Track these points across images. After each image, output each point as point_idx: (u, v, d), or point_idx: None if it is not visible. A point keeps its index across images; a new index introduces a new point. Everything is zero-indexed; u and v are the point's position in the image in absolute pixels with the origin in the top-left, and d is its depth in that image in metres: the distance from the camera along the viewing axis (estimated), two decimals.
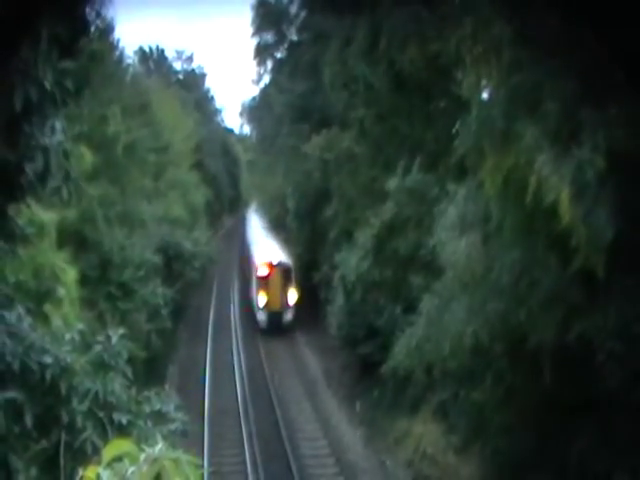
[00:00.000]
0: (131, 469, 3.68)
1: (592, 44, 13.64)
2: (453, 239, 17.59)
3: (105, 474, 3.72)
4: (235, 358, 42.40)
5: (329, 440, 29.57)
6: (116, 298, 29.44)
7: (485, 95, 17.75)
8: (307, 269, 48.28)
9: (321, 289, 43.17)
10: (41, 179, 9.88)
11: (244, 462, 28.10)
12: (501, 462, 19.14)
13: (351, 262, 29.59)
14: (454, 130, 17.29)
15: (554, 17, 14.24)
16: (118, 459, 3.74)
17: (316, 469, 27.04)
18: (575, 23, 13.84)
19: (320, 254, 44.28)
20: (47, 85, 9.00)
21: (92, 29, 10.91)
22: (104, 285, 29.03)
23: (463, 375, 18.82)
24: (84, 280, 24.41)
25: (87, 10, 9.90)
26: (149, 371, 27.93)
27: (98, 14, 10.31)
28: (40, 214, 19.13)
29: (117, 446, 3.81)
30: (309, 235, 48.04)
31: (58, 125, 9.89)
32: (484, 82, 17.13)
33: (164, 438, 12.14)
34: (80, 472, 3.88)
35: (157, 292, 34.30)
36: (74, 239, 26.45)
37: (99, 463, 3.77)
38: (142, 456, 3.71)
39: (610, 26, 13.57)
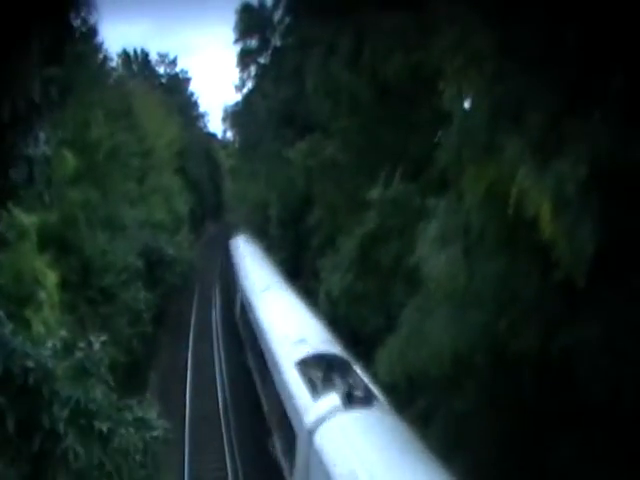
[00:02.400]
0: None
1: (576, 55, 13.73)
2: (434, 250, 17.61)
3: None
4: (217, 364, 42.37)
5: None
6: (97, 302, 29.34)
7: (467, 106, 17.79)
8: (290, 276, 48.23)
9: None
10: (24, 186, 9.86)
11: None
12: (482, 472, 19.17)
13: (335, 277, 29.49)
14: (436, 140, 17.34)
15: (537, 28, 14.32)
16: None
17: None
18: (559, 35, 13.92)
19: (303, 261, 44.26)
20: (35, 97, 8.98)
21: (77, 34, 10.89)
22: (85, 289, 28.90)
23: (444, 384, 18.85)
24: (65, 284, 24.29)
25: (72, 16, 9.87)
26: (130, 376, 27.85)
27: (83, 20, 10.29)
28: (21, 218, 19.04)
29: None
30: (292, 242, 47.98)
31: (42, 135, 9.87)
32: (466, 93, 17.16)
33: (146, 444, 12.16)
34: None
35: (139, 297, 34.23)
36: (55, 243, 26.31)
37: None
38: None
39: (595, 38, 13.67)
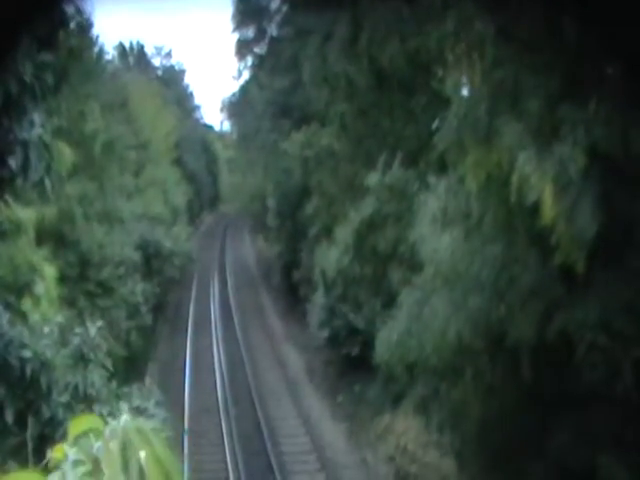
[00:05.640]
0: (97, 444, 3.58)
1: (574, 41, 13.67)
2: (434, 234, 17.58)
3: (72, 452, 3.62)
4: (215, 354, 42.39)
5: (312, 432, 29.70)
6: (95, 296, 29.31)
7: (466, 91, 17.73)
8: (287, 267, 48.30)
9: (301, 287, 43.23)
10: (22, 172, 9.82)
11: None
12: (481, 457, 19.18)
13: (331, 257, 29.45)
14: (435, 126, 17.27)
15: (536, 14, 14.27)
16: (84, 435, 3.64)
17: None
18: (557, 20, 13.87)
19: (300, 252, 44.28)
20: (27, 79, 8.94)
21: (71, 23, 10.84)
22: (83, 283, 28.88)
23: (443, 370, 18.82)
24: (63, 278, 24.28)
25: (64, 2, 9.80)
26: (128, 368, 27.81)
27: (77, 7, 10.22)
28: (18, 212, 18.99)
29: (82, 422, 3.71)
30: (289, 233, 47.91)
31: (37, 119, 9.83)
32: (466, 78, 17.11)
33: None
34: (49, 453, 3.78)
35: (136, 290, 34.19)
36: (53, 237, 26.30)
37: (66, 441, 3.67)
38: (106, 430, 3.61)
39: (592, 23, 13.60)
